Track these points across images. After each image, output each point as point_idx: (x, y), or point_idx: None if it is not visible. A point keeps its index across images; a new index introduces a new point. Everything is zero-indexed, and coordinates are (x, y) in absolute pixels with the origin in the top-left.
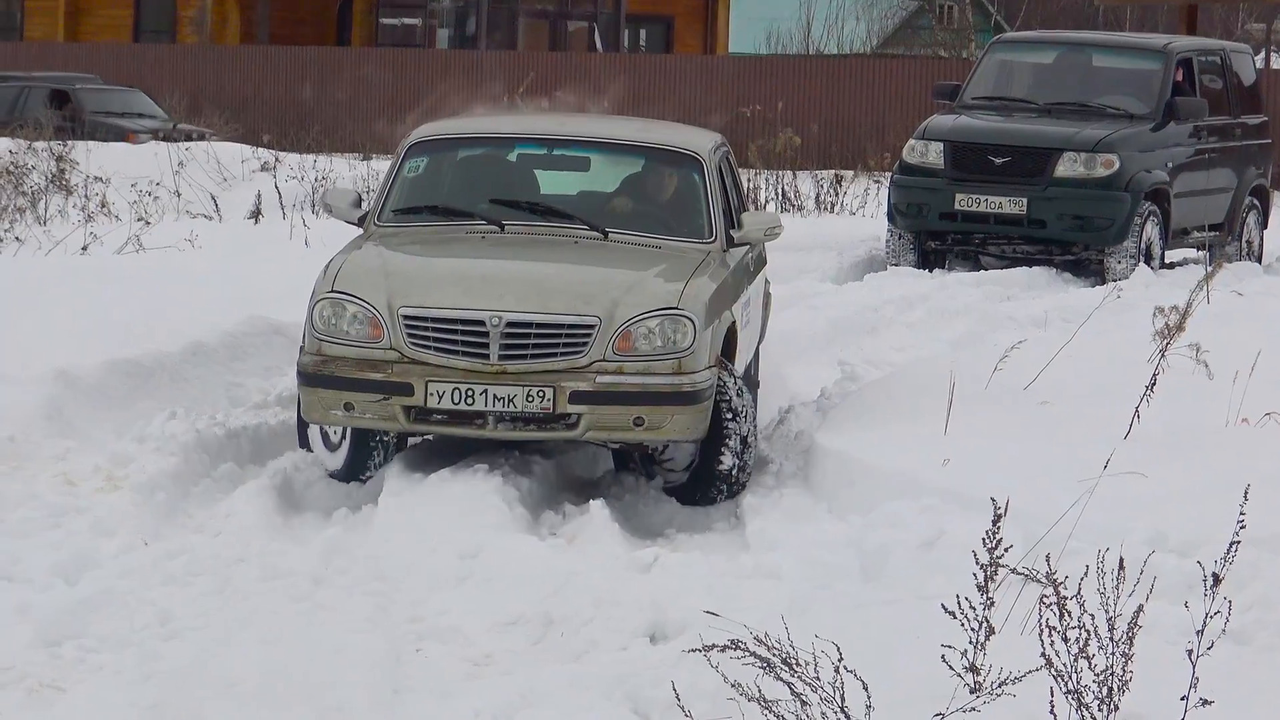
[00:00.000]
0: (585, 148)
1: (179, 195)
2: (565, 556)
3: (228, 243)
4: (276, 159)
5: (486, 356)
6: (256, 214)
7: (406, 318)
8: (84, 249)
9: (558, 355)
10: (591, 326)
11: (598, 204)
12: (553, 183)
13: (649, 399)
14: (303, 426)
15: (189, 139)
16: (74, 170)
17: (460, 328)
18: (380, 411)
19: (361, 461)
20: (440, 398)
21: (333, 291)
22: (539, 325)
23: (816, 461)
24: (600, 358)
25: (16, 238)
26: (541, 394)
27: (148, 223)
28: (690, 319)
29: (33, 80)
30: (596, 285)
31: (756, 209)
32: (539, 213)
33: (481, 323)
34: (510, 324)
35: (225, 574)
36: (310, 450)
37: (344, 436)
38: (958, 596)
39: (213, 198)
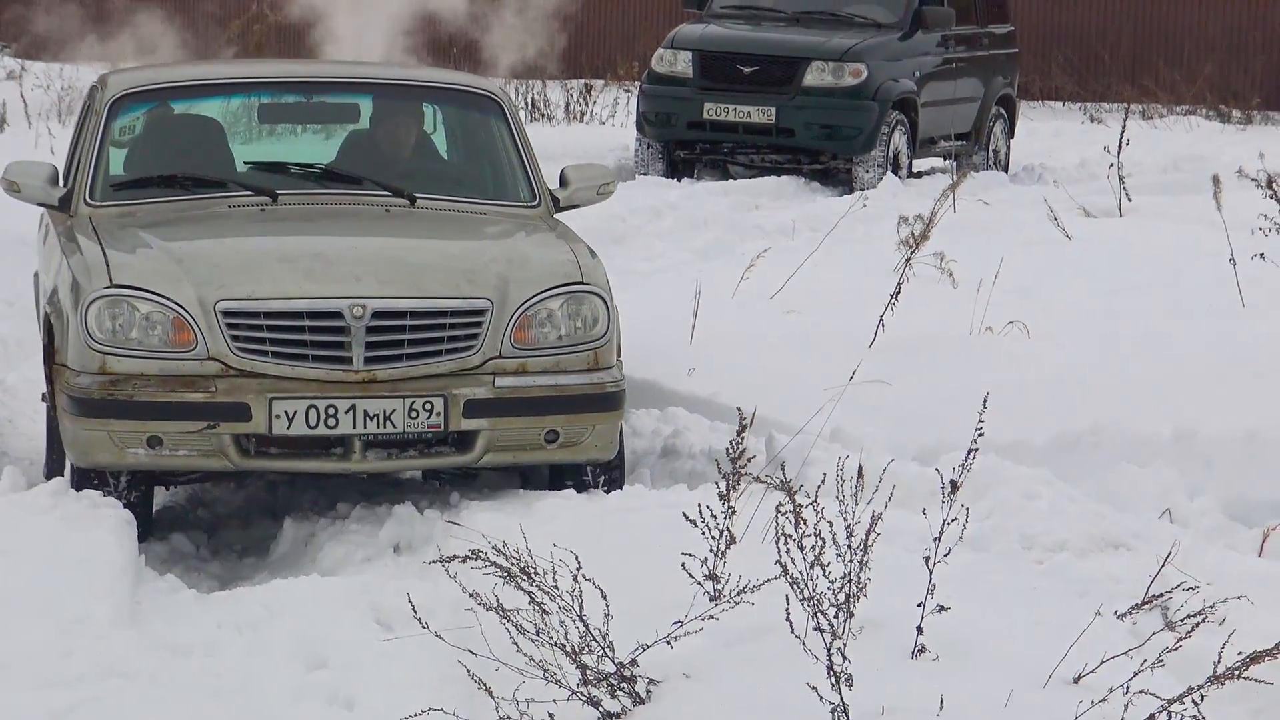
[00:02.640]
0: (355, 92)
1: None
2: None
3: None
4: (22, 67)
5: (348, 361)
6: (1, 123)
7: (227, 314)
8: None
9: (442, 355)
10: (482, 312)
11: (383, 163)
12: (309, 143)
13: (563, 406)
14: (83, 487)
15: None
16: None
17: (308, 323)
18: (201, 445)
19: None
20: (290, 420)
21: (112, 287)
22: (415, 314)
23: None
24: (496, 354)
25: None
26: (429, 407)
27: None
28: (601, 296)
29: None
30: (475, 259)
31: None
32: (313, 178)
33: (338, 314)
34: (377, 314)
35: None
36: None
37: (123, 489)
38: (699, 505)
39: None
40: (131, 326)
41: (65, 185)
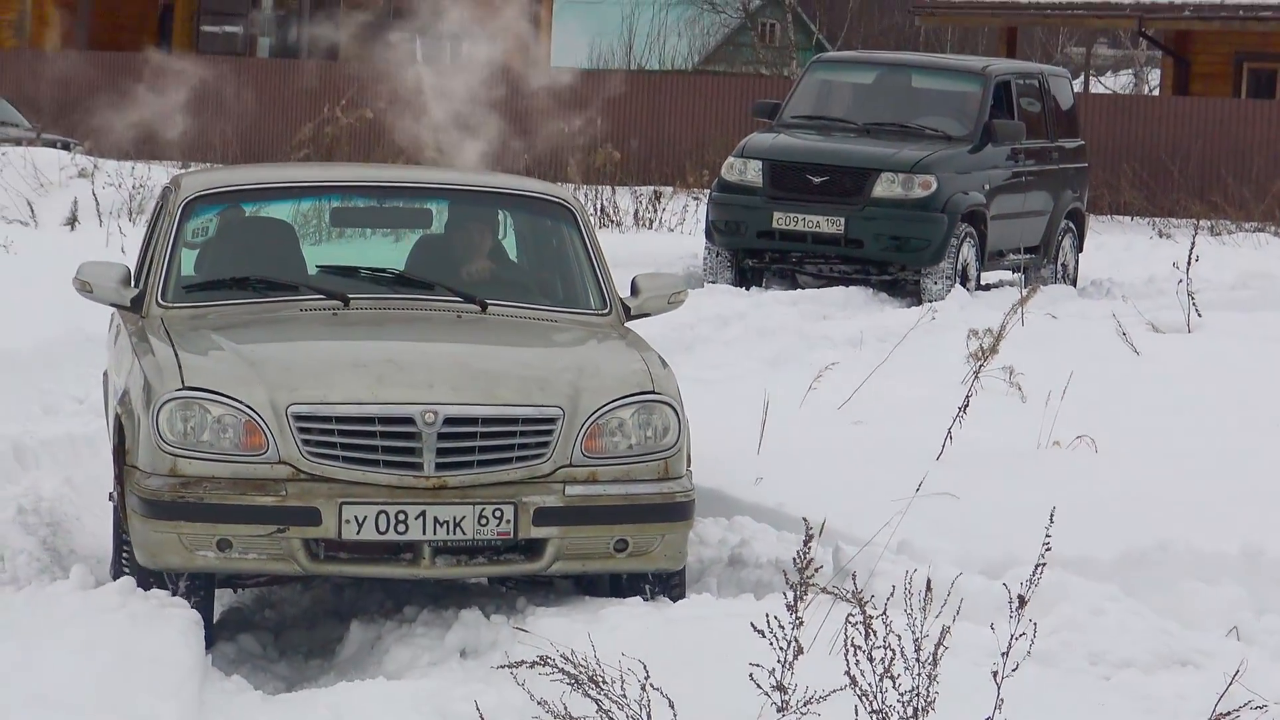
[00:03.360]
0: (427, 197)
1: None
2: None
3: (44, 250)
4: (95, 165)
5: (419, 466)
6: (73, 220)
7: (299, 418)
8: None
9: (513, 462)
10: (553, 420)
11: (455, 269)
12: (378, 246)
13: (633, 515)
14: (143, 578)
15: (54, 148)
16: None
17: (379, 428)
18: (271, 549)
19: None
20: (360, 526)
21: (184, 389)
22: (486, 421)
23: None
24: (566, 462)
25: None
26: (499, 514)
27: None
28: (671, 406)
29: None
30: (546, 367)
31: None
32: (385, 282)
33: (410, 420)
34: (449, 420)
35: (36, 584)
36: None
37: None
38: (767, 615)
39: (29, 203)
40: (203, 429)
41: (137, 285)
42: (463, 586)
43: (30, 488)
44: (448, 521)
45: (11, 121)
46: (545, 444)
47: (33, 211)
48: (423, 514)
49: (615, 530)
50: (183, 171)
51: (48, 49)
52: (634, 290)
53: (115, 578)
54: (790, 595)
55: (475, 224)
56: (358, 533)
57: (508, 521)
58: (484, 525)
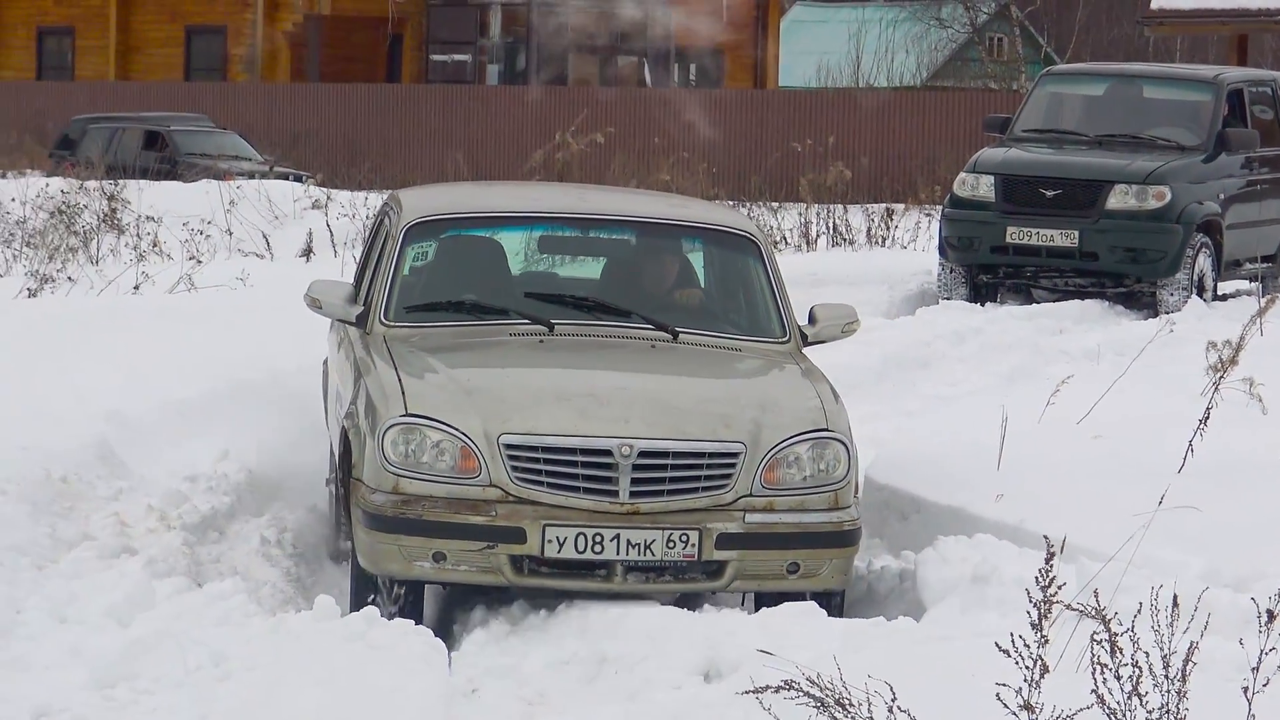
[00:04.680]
0: (627, 228)
1: (230, 234)
2: (608, 602)
3: (280, 281)
4: (328, 197)
5: (615, 494)
6: (308, 252)
7: (509, 447)
8: (136, 288)
9: (699, 491)
10: (736, 455)
11: (648, 295)
12: (573, 269)
13: (805, 541)
14: (363, 588)
15: (286, 180)
16: (126, 209)
17: (580, 458)
18: (480, 563)
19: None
20: (560, 545)
21: (407, 415)
22: (676, 454)
23: (870, 497)
24: (747, 492)
25: (69, 277)
26: (685, 539)
27: (199, 261)
28: (843, 442)
29: (127, 121)
30: (731, 404)
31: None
32: (586, 309)
33: (608, 452)
34: (642, 453)
35: (279, 615)
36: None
37: (398, 599)
38: (1012, 634)
39: (264, 236)
40: (423, 452)
41: (358, 296)
42: (702, 609)
43: (274, 519)
44: (639, 544)
45: (245, 155)
46: (728, 475)
47: (268, 244)
48: (617, 536)
49: (789, 554)
50: (402, 190)
51: (278, 82)
52: (811, 319)
53: (333, 557)
54: (1034, 613)
55: (668, 255)
56: (559, 551)
57: (693, 545)
58: (671, 548)
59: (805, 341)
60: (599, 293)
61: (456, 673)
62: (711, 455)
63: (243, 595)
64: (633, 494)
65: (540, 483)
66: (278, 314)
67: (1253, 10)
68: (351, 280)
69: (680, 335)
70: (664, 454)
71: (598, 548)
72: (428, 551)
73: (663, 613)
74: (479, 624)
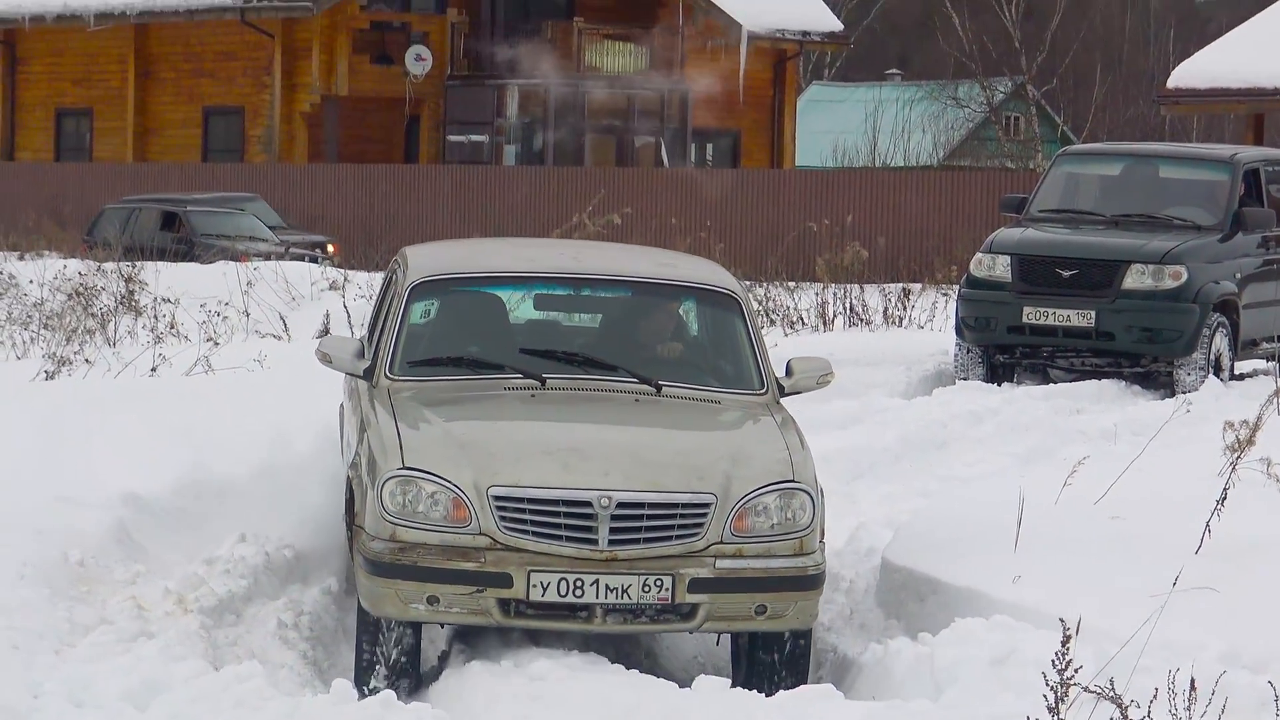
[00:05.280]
0: (617, 287)
1: (248, 315)
2: (628, 682)
3: (297, 362)
4: (345, 277)
5: (594, 542)
6: (325, 333)
7: (498, 498)
8: (153, 370)
9: (673, 539)
10: (708, 505)
11: (636, 350)
12: (567, 326)
13: (772, 585)
14: (368, 633)
15: (302, 260)
16: (143, 291)
17: (563, 509)
18: (471, 605)
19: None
20: (544, 589)
21: (404, 469)
22: (652, 505)
23: (887, 578)
24: (718, 540)
25: (86, 359)
26: (659, 583)
27: (216, 343)
28: (808, 492)
29: (143, 201)
30: (703, 456)
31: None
32: (576, 363)
33: (588, 503)
34: (621, 504)
35: (296, 698)
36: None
37: (399, 642)
38: (1029, 717)
39: (281, 317)
40: (419, 502)
41: (367, 349)
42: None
43: (290, 601)
44: (617, 588)
45: (261, 236)
46: (700, 524)
47: (285, 325)
48: (597, 581)
49: (757, 598)
50: (410, 247)
51: (295, 163)
52: (788, 371)
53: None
54: (1051, 696)
55: (655, 312)
56: (543, 595)
57: (667, 589)
58: (647, 591)
59: (782, 392)
60: (591, 346)
61: None
62: (685, 506)
63: (260, 678)
64: (611, 541)
65: (526, 531)
66: (295, 396)
67: (1269, 89)
68: (361, 335)
69: (663, 389)
70: (640, 505)
71: (579, 591)
72: (422, 595)
73: (680, 694)
74: (495, 700)
